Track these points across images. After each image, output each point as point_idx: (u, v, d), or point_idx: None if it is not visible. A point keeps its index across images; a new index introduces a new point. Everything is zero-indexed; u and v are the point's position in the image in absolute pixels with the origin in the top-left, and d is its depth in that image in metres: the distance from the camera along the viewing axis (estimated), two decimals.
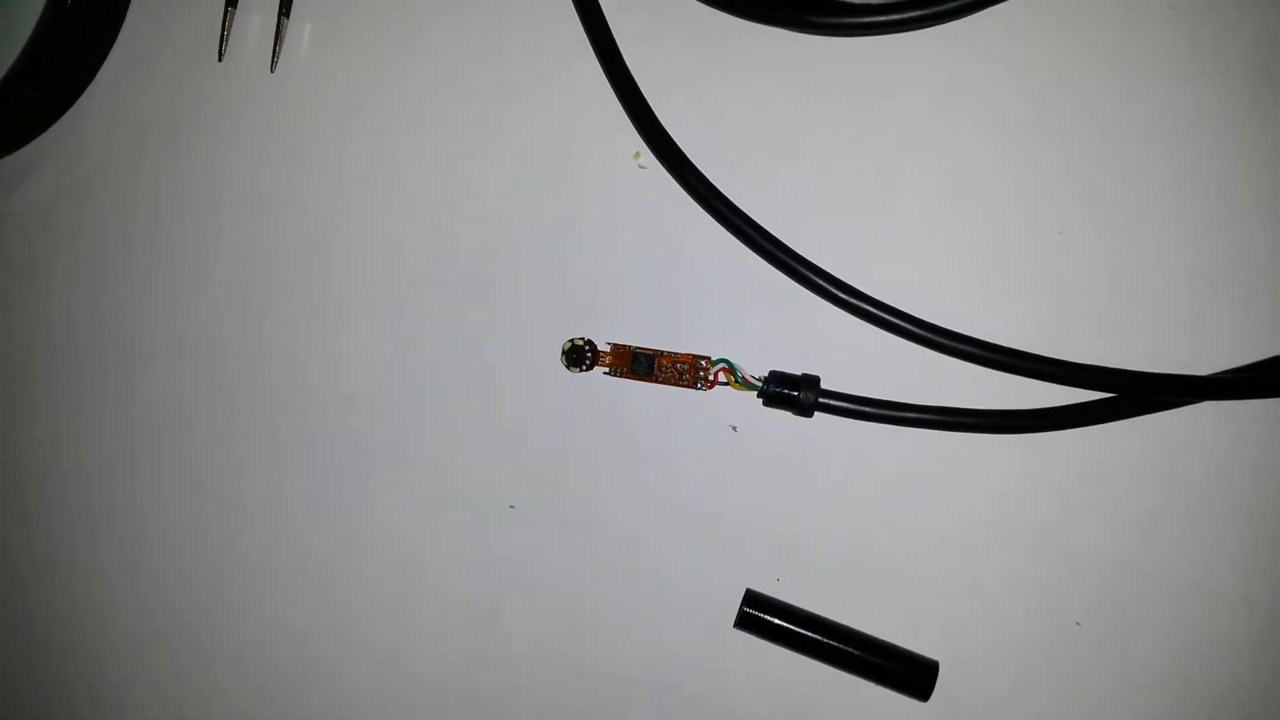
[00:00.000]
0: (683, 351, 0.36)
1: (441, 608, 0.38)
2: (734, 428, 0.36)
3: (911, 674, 0.35)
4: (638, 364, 0.36)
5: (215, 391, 0.39)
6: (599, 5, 0.36)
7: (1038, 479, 0.35)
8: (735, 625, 0.35)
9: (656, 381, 0.36)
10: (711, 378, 0.36)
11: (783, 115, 0.37)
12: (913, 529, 0.36)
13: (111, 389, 0.39)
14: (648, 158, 0.36)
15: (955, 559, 0.36)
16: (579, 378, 0.37)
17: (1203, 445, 0.35)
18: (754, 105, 0.37)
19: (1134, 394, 0.34)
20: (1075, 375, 0.34)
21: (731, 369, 0.35)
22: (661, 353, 0.36)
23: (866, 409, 0.35)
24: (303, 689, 0.39)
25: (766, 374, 0.35)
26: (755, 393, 0.35)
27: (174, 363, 0.39)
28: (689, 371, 0.36)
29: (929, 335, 0.34)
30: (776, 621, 0.35)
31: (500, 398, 0.37)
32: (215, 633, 0.39)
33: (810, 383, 0.35)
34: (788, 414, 0.35)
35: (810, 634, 0.35)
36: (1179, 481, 0.35)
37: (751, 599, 0.35)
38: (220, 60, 0.39)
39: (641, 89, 0.36)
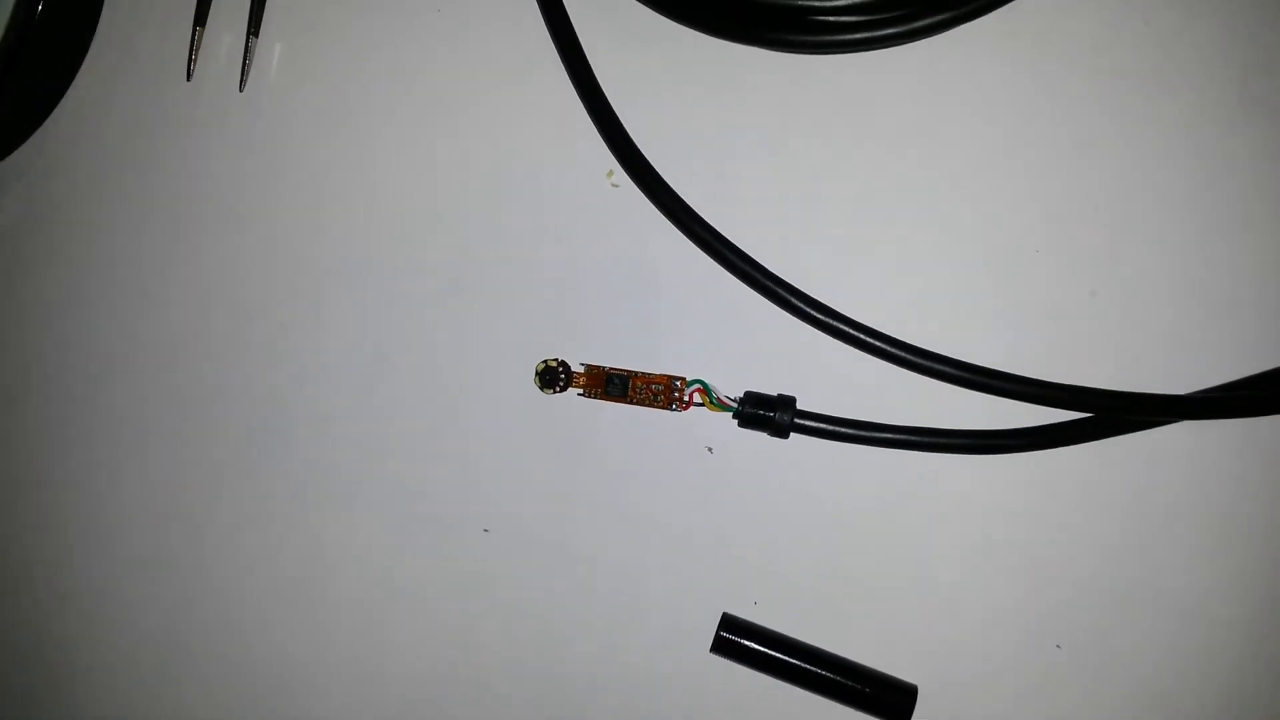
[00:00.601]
0: (657, 372, 0.35)
1: (415, 629, 0.37)
2: (710, 449, 0.36)
3: (890, 699, 0.34)
4: (612, 385, 0.35)
5: (185, 411, 0.38)
6: (570, 24, 0.36)
7: (1015, 500, 0.35)
8: (712, 650, 0.35)
9: (631, 403, 0.35)
10: (686, 399, 0.35)
11: (756, 132, 0.36)
12: (890, 551, 0.35)
13: (80, 408, 0.39)
14: (620, 176, 0.36)
15: (933, 581, 0.35)
16: (553, 399, 0.36)
17: (1181, 465, 0.34)
18: (727, 121, 0.37)
19: (1112, 413, 0.34)
20: (1052, 395, 0.33)
21: (706, 390, 0.35)
22: (636, 374, 0.35)
23: (843, 430, 0.34)
24: (277, 705, 0.38)
25: (742, 395, 0.35)
26: (730, 414, 0.35)
27: (142, 383, 0.38)
28: (664, 392, 0.35)
29: (905, 355, 0.34)
30: (753, 646, 0.35)
31: (473, 420, 0.37)
32: (186, 655, 0.38)
33: (786, 403, 0.34)
34: (764, 435, 0.35)
35: (788, 659, 0.34)
36: (1157, 502, 0.35)
37: (728, 623, 0.35)
38: (189, 80, 0.38)
39: (614, 106, 0.36)
